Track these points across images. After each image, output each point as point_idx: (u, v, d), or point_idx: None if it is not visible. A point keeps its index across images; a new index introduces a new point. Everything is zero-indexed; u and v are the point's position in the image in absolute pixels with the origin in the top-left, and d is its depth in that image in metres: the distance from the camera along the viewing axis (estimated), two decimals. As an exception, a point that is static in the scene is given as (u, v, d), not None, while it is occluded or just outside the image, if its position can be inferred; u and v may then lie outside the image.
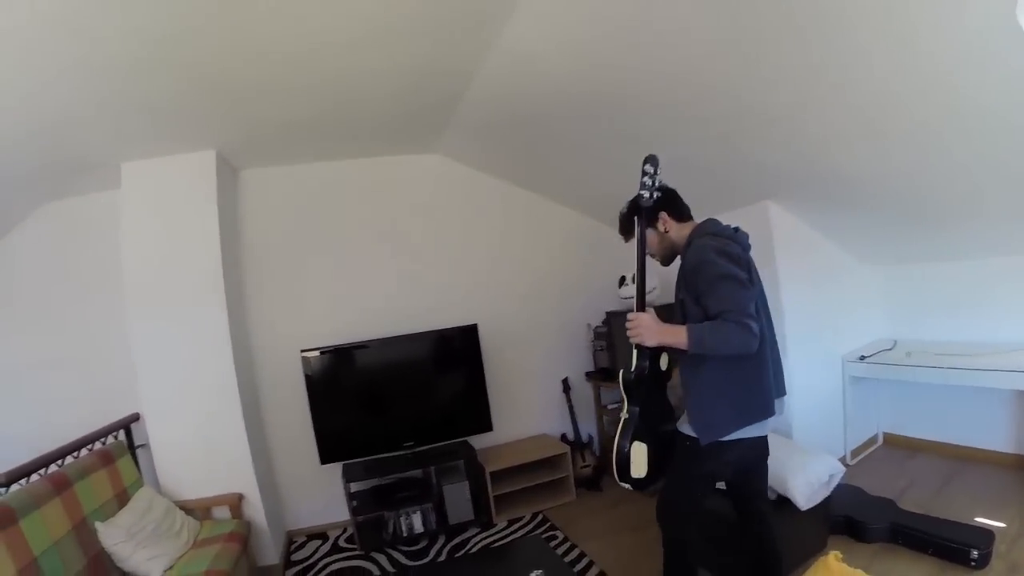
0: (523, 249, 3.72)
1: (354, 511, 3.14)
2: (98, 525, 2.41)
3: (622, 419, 1.75)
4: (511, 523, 3.38)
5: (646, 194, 1.66)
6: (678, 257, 1.81)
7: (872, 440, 3.57)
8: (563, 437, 3.77)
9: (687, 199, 1.84)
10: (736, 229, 1.79)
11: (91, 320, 3.42)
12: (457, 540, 3.25)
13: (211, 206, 3.00)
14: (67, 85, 2.06)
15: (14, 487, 2.33)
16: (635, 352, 1.70)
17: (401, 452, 3.26)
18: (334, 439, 3.15)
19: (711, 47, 1.95)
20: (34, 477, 2.47)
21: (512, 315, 3.65)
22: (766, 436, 1.79)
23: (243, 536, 2.73)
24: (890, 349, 3.32)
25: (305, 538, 3.44)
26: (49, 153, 2.71)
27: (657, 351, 1.71)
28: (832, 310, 3.31)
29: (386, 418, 3.28)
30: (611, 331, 3.59)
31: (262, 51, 2.08)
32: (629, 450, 1.70)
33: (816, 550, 2.42)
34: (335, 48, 2.13)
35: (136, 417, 3.12)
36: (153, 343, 2.98)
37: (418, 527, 3.23)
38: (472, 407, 3.39)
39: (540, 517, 3.41)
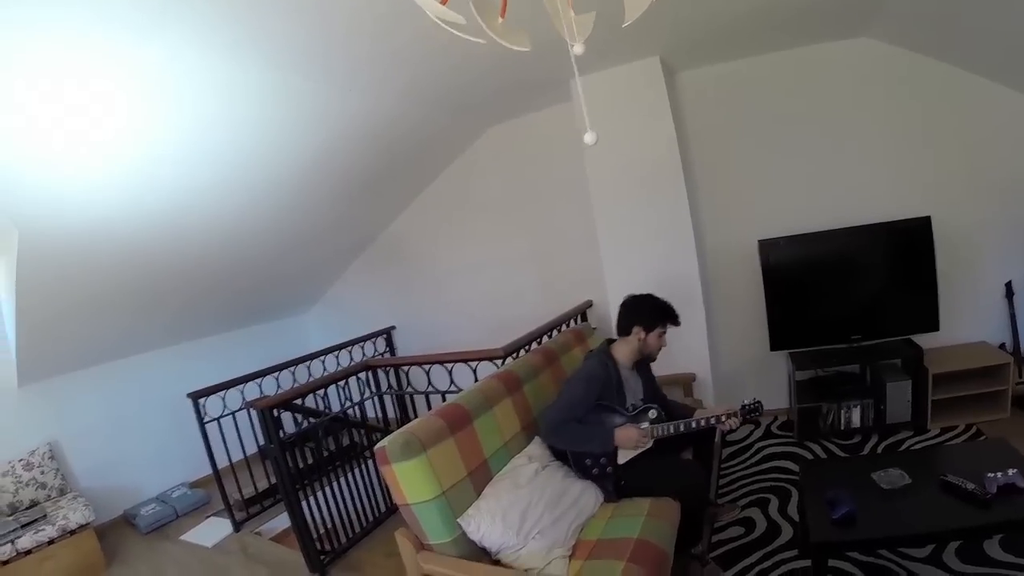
0: (962, 138, 3.32)
1: (797, 399, 3.26)
2: (575, 392, 2.83)
3: None
4: (943, 431, 3.20)
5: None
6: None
7: None
8: (1001, 346, 3.42)
9: None
10: None
11: (543, 220, 4.01)
12: (890, 440, 3.18)
13: (664, 108, 3.21)
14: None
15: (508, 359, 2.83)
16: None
17: (847, 345, 3.26)
18: (786, 327, 3.27)
19: None
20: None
21: (954, 208, 3.30)
22: None
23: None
24: None
25: (738, 423, 3.68)
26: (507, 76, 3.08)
27: None
28: None
29: (836, 309, 3.29)
30: (1068, 229, 3.10)
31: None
32: None
33: None
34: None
35: (590, 304, 3.59)
36: (617, 234, 3.36)
37: (855, 422, 3.23)
38: (920, 304, 3.22)
39: (974, 429, 3.16)
